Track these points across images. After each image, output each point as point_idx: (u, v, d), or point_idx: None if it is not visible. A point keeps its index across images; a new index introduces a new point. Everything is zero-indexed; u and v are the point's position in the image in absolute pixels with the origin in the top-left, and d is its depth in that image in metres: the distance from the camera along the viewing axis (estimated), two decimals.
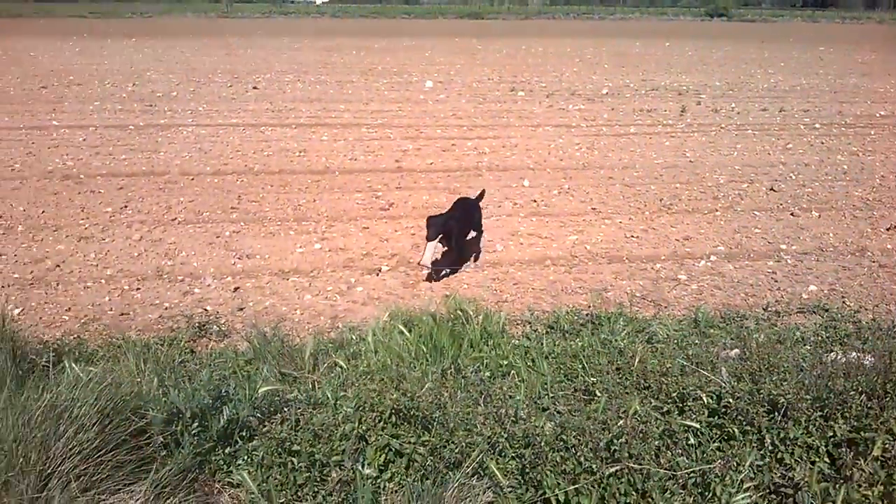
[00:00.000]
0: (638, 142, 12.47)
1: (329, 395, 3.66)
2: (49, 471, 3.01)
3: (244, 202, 8.77)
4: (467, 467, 3.03)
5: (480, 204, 7.35)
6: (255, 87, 17.35)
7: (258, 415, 3.60)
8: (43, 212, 8.25)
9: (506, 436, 3.17)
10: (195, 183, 9.49)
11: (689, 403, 3.31)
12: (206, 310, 5.91)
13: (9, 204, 8.46)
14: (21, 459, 2.99)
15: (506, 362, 4.54)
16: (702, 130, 13.44)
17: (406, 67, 22.36)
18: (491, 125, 13.65)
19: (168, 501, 3.12)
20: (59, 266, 6.82)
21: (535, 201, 9.02)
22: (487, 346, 4.82)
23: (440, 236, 6.43)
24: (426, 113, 14.70)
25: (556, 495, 2.76)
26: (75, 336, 5.32)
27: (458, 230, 6.72)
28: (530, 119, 14.30)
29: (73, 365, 3.53)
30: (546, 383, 4.02)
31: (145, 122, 13.11)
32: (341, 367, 4.33)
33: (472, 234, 7.12)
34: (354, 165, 10.55)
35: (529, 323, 5.56)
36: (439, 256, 6.81)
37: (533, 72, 21.74)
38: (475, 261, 7.11)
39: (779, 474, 2.92)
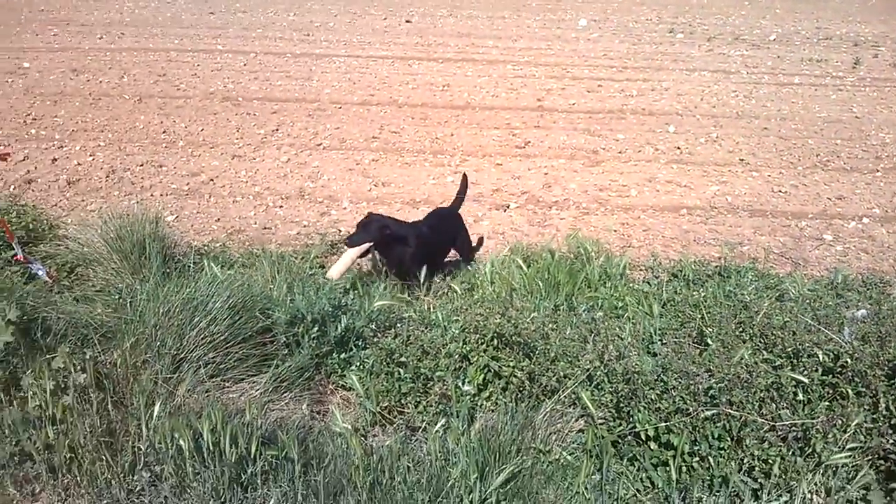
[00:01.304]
0: (801, 93, 11.57)
1: (441, 318, 3.80)
2: (182, 356, 3.36)
3: (385, 132, 9.00)
4: (562, 395, 3.09)
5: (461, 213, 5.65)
6: (407, 21, 17.51)
7: (373, 327, 3.80)
8: (202, 129, 8.87)
9: (605, 371, 3.19)
10: (342, 111, 9.83)
11: (803, 360, 3.18)
12: (339, 230, 6.21)
13: (172, 120, 9.15)
14: (159, 343, 3.35)
15: (621, 304, 4.51)
16: (875, 85, 12.27)
17: (561, 4, 21.73)
18: (642, 67, 13.11)
19: (285, 395, 3.41)
20: (212, 180, 7.35)
21: (678, 148, 8.68)
22: (605, 287, 4.79)
23: (370, 246, 4.75)
24: (575, 52, 14.31)
25: (646, 430, 2.77)
26: (220, 244, 5.77)
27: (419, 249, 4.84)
28: (686, 63, 13.58)
29: (212, 265, 3.86)
30: (658, 328, 3.96)
31: (302, 50, 13.62)
32: (456, 293, 4.47)
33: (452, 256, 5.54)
34: (495, 102, 10.52)
35: (652, 269, 5.44)
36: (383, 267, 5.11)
37: (696, 13, 20.51)
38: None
39: (892, 441, 2.76)
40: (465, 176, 5.84)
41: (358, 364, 3.60)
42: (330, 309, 3.73)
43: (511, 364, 3.25)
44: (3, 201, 5.94)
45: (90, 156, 7.85)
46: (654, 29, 17.43)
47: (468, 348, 3.35)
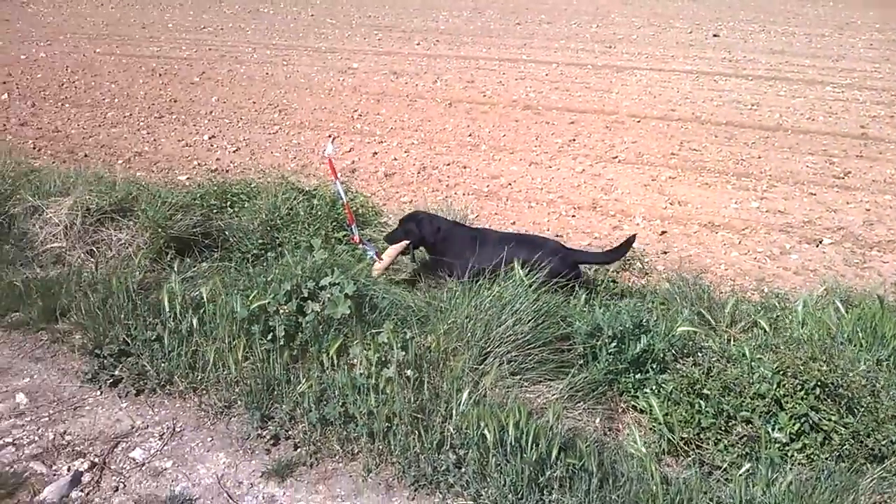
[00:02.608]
0: None
1: (746, 353, 3.57)
2: (488, 349, 3.53)
3: (685, 149, 8.70)
4: (891, 464, 2.75)
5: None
6: (715, 35, 16.80)
7: (673, 352, 3.69)
8: (504, 135, 9.26)
9: None
10: (640, 125, 9.69)
11: None
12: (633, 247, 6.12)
13: (478, 125, 9.67)
14: (469, 334, 3.55)
15: None
16: None
17: (892, 25, 19.41)
18: None
19: (579, 405, 3.43)
20: (510, 184, 7.64)
21: None
22: None
23: (408, 244, 4.60)
24: None
25: None
26: None
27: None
28: None
29: (520, 268, 4.00)
30: None
31: (603, 62, 13.67)
32: (763, 329, 4.17)
33: None
34: (811, 126, 9.67)
35: None
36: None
37: None
38: None
39: None
40: (631, 238, 4.85)
41: (653, 388, 3.51)
42: (630, 326, 3.68)
43: (833, 418, 2.96)
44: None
45: (405, 152, 8.58)
46: None
47: (782, 392, 3.11)
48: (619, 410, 3.60)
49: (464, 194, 7.37)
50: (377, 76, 12.44)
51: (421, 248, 4.74)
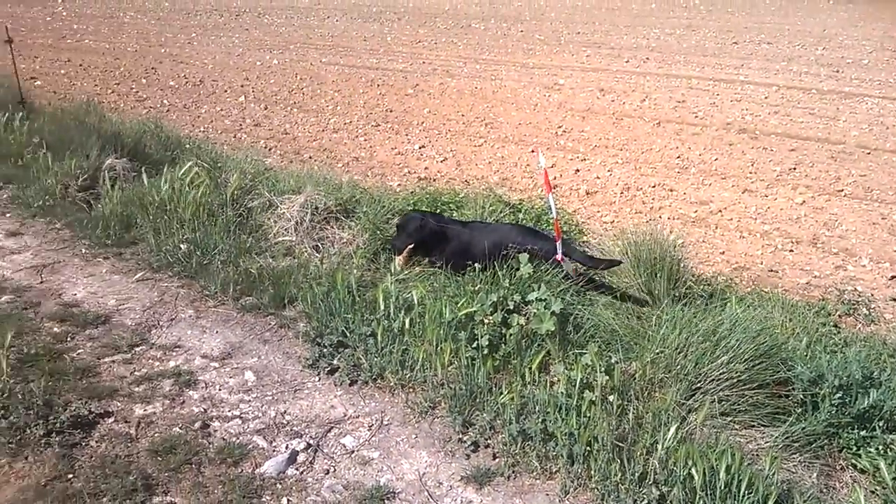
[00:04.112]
0: None
1: None
2: (698, 385, 3.40)
3: None
4: None
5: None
6: None
7: None
8: (715, 159, 8.86)
9: None
10: (871, 157, 8.89)
11: None
12: (856, 289, 5.62)
13: (687, 147, 9.34)
14: (678, 366, 3.44)
15: None
16: None
17: None
18: None
19: (794, 456, 3.21)
20: (720, 211, 7.30)
21: None
22: None
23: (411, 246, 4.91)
24: None
25: None
26: (726, 278, 5.68)
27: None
28: None
29: (736, 305, 3.82)
30: None
31: (829, 87, 12.70)
32: None
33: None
34: None
35: None
36: None
37: None
38: None
39: None
40: (616, 261, 4.65)
41: (878, 447, 3.20)
42: (859, 378, 3.39)
43: None
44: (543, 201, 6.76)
45: (608, 171, 8.47)
46: None
47: None
48: (838, 468, 3.32)
49: (669, 218, 7.15)
50: (583, 93, 12.39)
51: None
